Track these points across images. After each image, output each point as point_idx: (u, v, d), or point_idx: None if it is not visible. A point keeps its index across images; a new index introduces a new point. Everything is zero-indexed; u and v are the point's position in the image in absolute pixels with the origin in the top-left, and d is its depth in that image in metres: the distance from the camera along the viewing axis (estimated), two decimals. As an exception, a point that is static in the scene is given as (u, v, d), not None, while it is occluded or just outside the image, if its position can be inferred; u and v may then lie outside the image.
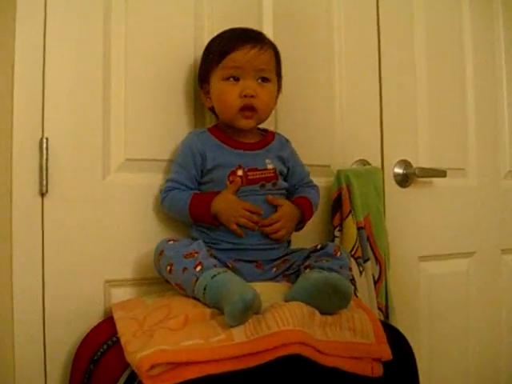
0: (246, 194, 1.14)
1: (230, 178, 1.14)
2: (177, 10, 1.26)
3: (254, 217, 1.12)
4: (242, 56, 1.13)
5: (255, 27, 1.24)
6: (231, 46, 1.14)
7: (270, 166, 1.18)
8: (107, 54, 1.18)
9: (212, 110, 1.24)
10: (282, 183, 1.20)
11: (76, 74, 1.14)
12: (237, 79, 1.14)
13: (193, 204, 1.13)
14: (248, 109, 1.14)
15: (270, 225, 1.14)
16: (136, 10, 1.21)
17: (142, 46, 1.22)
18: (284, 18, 1.40)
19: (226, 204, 1.11)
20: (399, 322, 1.39)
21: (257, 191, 1.15)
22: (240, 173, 1.14)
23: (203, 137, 1.18)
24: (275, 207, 1.16)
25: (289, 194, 1.25)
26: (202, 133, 1.19)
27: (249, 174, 1.15)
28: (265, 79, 1.16)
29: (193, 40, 1.28)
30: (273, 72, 1.19)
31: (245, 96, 1.13)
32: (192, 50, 1.27)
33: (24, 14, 1.09)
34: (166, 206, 1.17)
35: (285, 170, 1.23)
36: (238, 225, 1.11)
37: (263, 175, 1.16)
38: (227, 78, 1.14)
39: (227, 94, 1.14)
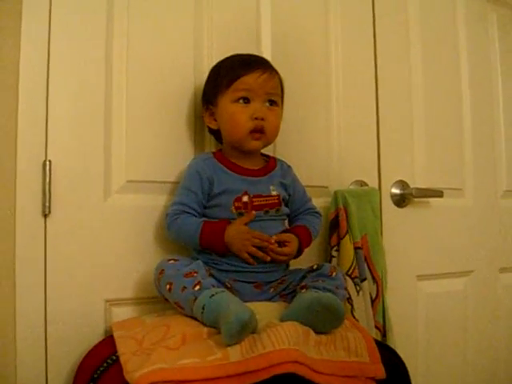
0: (251, 220, 1.15)
1: (236, 204, 1.15)
2: (177, 36, 1.29)
3: (264, 244, 1.12)
4: (254, 79, 1.15)
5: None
6: (243, 69, 1.16)
7: (274, 193, 1.19)
8: (109, 78, 1.21)
9: (214, 132, 1.26)
10: (284, 209, 1.22)
11: (78, 97, 1.17)
12: (247, 102, 1.16)
13: (204, 232, 1.12)
14: (257, 131, 1.16)
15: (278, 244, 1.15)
16: (137, 33, 1.24)
17: (144, 70, 1.25)
18: (282, 43, 1.43)
19: (237, 234, 1.11)
20: (396, 341, 1.40)
21: (261, 217, 1.16)
22: (245, 199, 1.15)
23: (210, 162, 1.19)
24: (280, 232, 1.18)
25: (289, 220, 1.28)
26: (209, 158, 1.21)
27: (254, 200, 1.16)
28: (273, 102, 1.19)
29: (192, 65, 1.31)
30: (280, 97, 1.22)
31: (255, 118, 1.15)
32: (192, 75, 1.30)
33: (28, 37, 1.12)
34: (172, 231, 1.15)
35: (287, 197, 1.24)
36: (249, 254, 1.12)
37: (268, 202, 1.18)
38: (237, 100, 1.16)
39: (238, 115, 1.15)
